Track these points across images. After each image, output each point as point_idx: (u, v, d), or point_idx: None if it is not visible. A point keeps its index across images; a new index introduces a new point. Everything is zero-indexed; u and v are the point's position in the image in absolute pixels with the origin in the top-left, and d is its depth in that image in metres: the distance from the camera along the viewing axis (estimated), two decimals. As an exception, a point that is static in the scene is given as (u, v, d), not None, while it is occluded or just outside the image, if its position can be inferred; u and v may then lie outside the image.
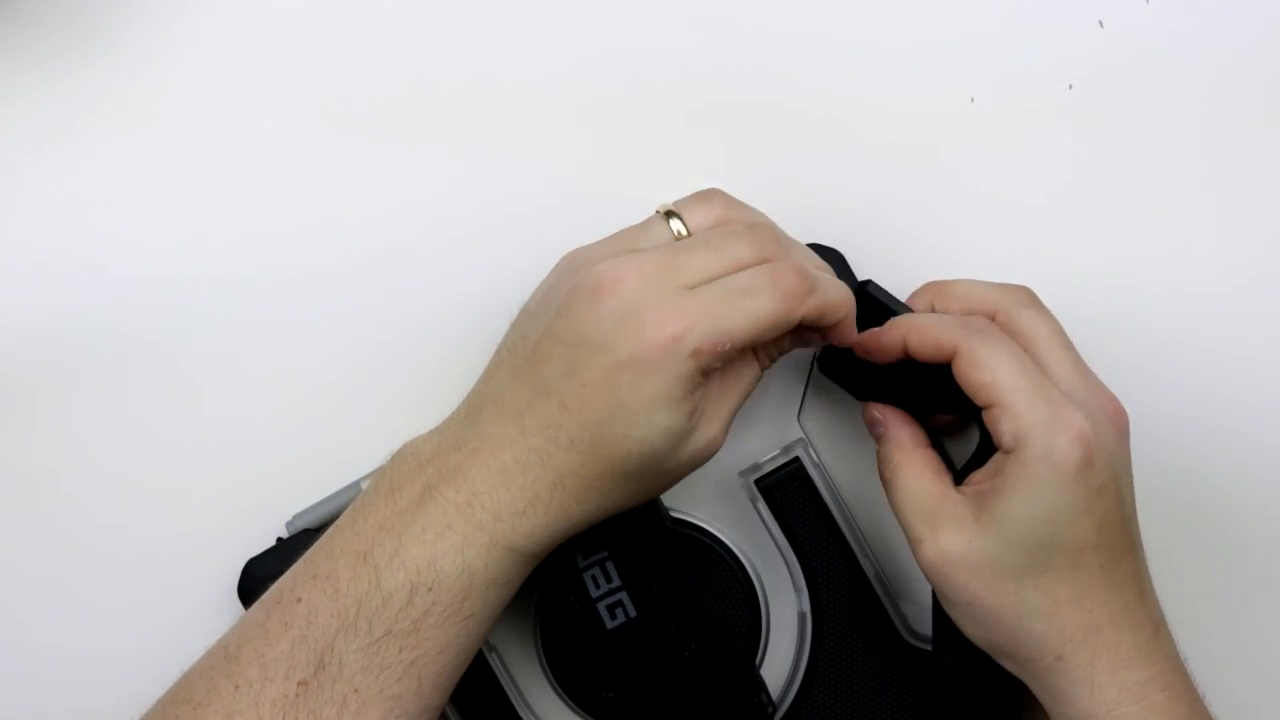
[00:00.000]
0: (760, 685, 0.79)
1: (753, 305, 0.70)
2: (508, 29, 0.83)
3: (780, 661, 0.81)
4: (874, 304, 0.77)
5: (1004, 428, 0.71)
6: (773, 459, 0.81)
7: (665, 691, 0.76)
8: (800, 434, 0.82)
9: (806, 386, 0.82)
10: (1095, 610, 0.71)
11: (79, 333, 0.82)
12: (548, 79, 0.83)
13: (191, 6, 0.83)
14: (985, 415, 0.72)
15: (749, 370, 0.74)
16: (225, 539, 0.81)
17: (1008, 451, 0.71)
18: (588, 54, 0.83)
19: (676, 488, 0.80)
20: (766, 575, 0.81)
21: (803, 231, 0.77)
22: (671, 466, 0.72)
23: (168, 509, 0.82)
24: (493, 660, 0.81)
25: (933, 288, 0.77)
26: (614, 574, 0.76)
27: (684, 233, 0.74)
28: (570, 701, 0.81)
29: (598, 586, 0.76)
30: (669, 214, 0.75)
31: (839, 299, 0.73)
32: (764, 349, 0.75)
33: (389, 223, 0.83)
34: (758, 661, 0.81)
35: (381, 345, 0.83)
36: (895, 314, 0.76)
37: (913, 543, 0.73)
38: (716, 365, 0.71)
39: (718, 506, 0.82)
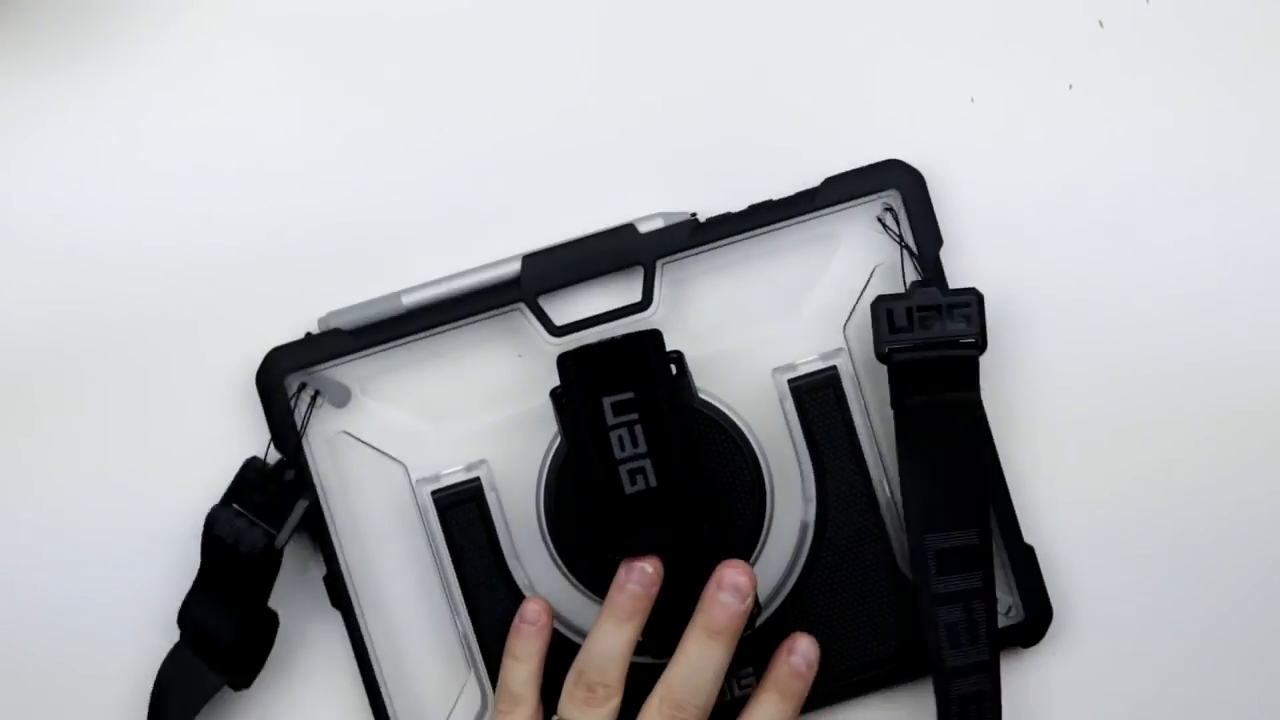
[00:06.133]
0: (750, 582, 0.78)
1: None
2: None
3: (774, 566, 0.80)
4: None
5: None
6: (810, 363, 0.81)
7: (669, 564, 0.76)
8: (843, 344, 0.81)
9: (858, 301, 0.81)
10: None
11: (77, 330, 0.82)
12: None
13: (191, 4, 0.82)
14: None
15: None
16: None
17: None
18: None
19: (708, 370, 0.80)
20: (779, 477, 0.80)
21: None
22: None
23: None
24: (492, 500, 0.80)
25: None
26: (641, 439, 0.75)
27: None
28: (560, 561, 0.80)
29: (623, 449, 0.75)
30: None
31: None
32: None
33: (397, 219, 0.83)
34: (752, 561, 0.80)
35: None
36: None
37: None
38: None
39: (745, 397, 0.81)
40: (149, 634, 0.80)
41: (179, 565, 0.80)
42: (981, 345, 0.78)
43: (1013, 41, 0.82)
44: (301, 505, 0.79)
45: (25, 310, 0.82)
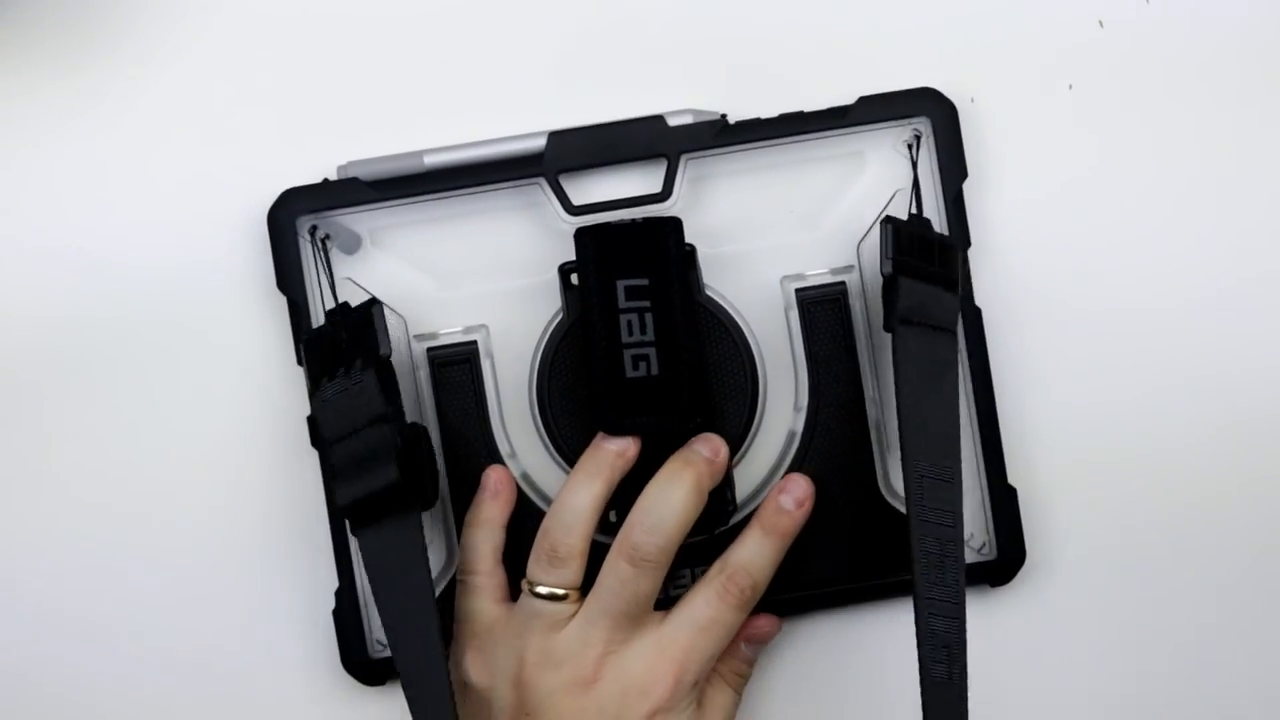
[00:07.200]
0: (729, 481, 0.79)
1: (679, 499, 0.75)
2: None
3: (756, 469, 0.81)
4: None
5: None
6: (820, 275, 0.81)
7: (652, 453, 0.76)
8: (854, 262, 0.81)
9: (875, 222, 0.81)
10: None
11: (76, 330, 0.82)
12: None
13: (195, 7, 0.82)
14: None
15: (723, 697, 0.78)
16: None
17: None
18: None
19: (716, 269, 0.80)
20: (773, 383, 0.81)
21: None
22: None
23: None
24: (486, 366, 0.80)
25: None
26: (650, 328, 0.75)
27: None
28: (545, 434, 0.80)
29: (630, 334, 0.75)
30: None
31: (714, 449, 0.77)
32: (730, 672, 0.79)
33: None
34: (735, 460, 0.80)
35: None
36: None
37: None
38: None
39: (750, 300, 0.81)
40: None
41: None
42: (956, 291, 0.78)
43: (1013, 42, 0.82)
44: (378, 306, 0.77)
45: (30, 310, 0.83)
